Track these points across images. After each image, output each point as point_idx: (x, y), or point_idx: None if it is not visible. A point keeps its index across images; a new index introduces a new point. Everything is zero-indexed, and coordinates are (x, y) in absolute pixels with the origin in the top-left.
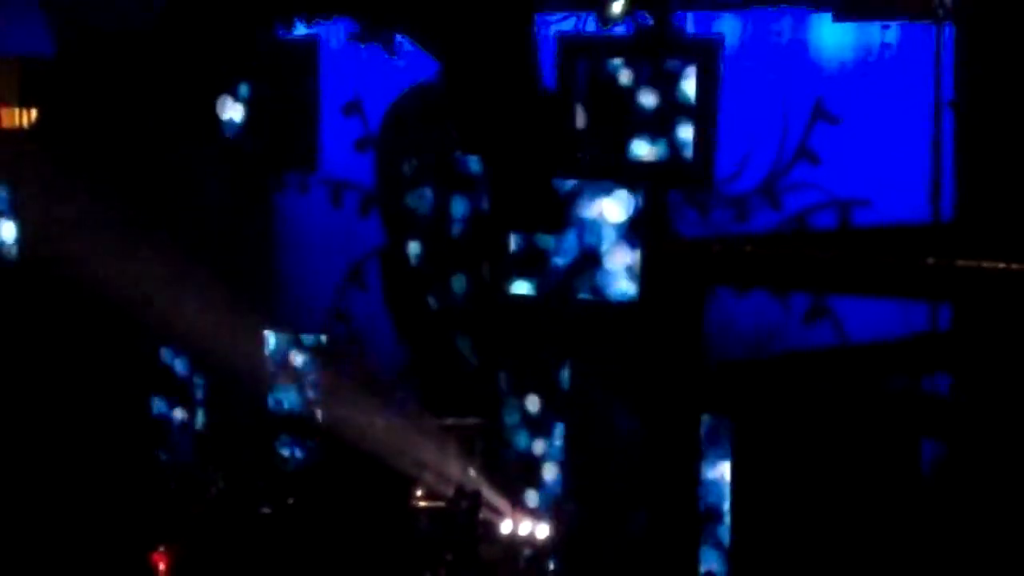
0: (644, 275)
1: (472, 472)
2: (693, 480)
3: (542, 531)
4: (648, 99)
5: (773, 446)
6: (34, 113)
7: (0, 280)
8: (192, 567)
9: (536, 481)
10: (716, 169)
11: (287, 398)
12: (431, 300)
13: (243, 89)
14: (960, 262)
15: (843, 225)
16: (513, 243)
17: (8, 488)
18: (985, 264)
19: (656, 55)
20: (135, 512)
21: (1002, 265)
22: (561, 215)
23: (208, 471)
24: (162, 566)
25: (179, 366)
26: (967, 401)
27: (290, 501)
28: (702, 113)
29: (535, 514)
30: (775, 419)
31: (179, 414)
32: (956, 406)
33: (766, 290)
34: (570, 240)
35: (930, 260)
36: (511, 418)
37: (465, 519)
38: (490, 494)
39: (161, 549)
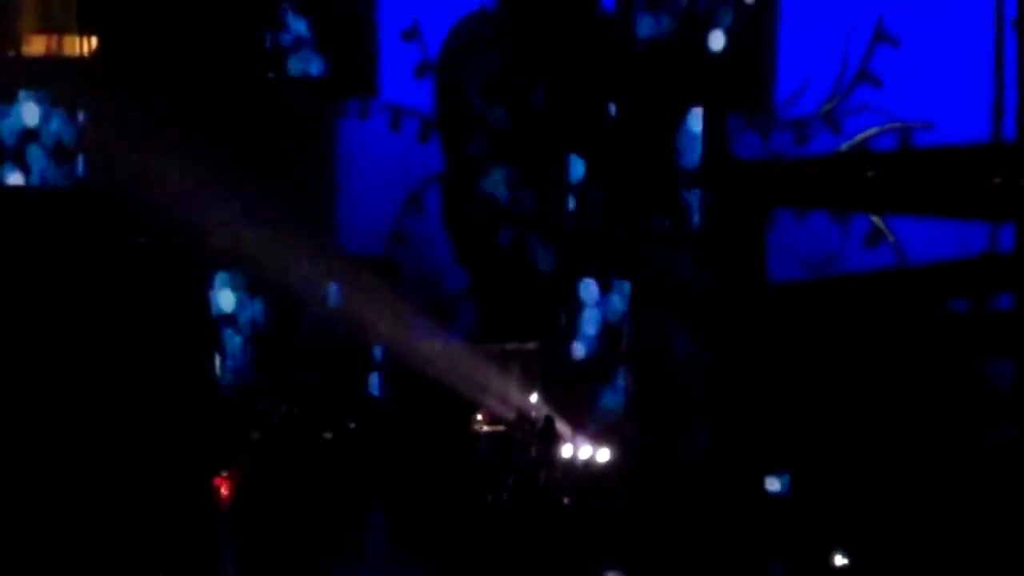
0: (708, 196)
1: (533, 397)
2: (757, 399)
3: (603, 455)
4: (707, 21)
5: (835, 366)
6: (94, 41)
7: (63, 205)
8: (254, 492)
9: (597, 405)
10: (776, 92)
11: (348, 322)
12: (495, 226)
13: (302, 14)
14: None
15: (904, 147)
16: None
17: (69, 411)
18: None
19: None
20: (198, 438)
21: None
22: (615, 140)
23: (271, 397)
24: (225, 491)
25: (243, 291)
26: None
27: (352, 426)
28: (762, 35)
29: (596, 438)
30: (837, 340)
31: (241, 340)
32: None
33: (827, 212)
34: None
35: (995, 180)
36: (572, 342)
37: (530, 444)
38: (552, 419)
39: (224, 474)
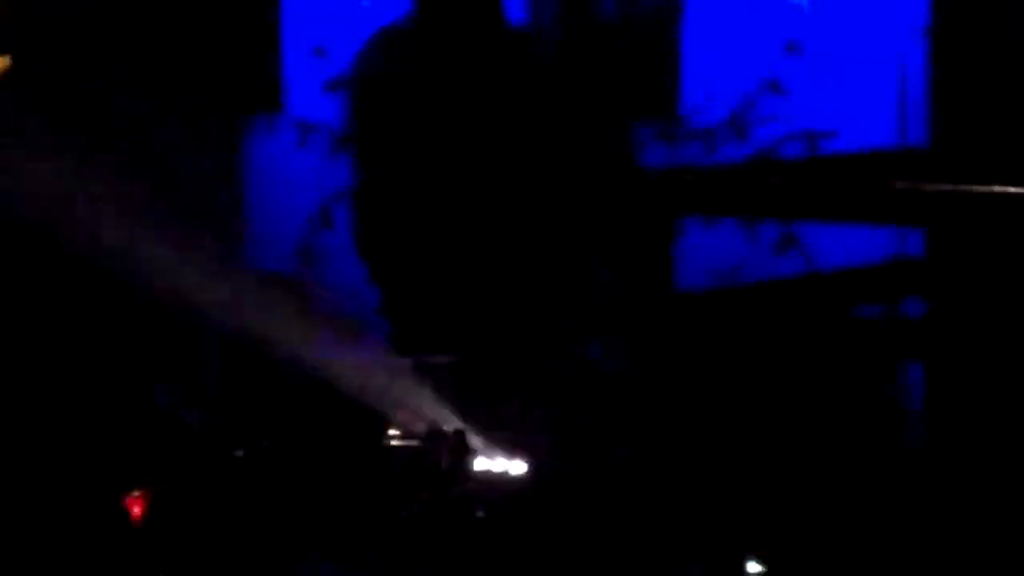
0: (614, 205)
1: (445, 411)
2: (668, 408)
3: (517, 467)
4: (614, 30)
5: (745, 374)
6: (4, 60)
7: None
8: (168, 510)
9: (510, 418)
10: (682, 101)
11: (258, 338)
12: (404, 241)
13: (203, 28)
14: (931, 186)
15: (811, 154)
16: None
17: None
18: (959, 187)
19: None
20: (109, 455)
21: (977, 188)
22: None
23: (182, 414)
24: (136, 509)
25: (149, 310)
26: (942, 325)
27: (264, 443)
28: (667, 42)
29: (510, 451)
30: (747, 348)
31: (151, 358)
32: (931, 330)
33: (737, 219)
34: None
35: (900, 184)
36: (485, 355)
37: (443, 458)
38: (465, 432)
39: (136, 493)
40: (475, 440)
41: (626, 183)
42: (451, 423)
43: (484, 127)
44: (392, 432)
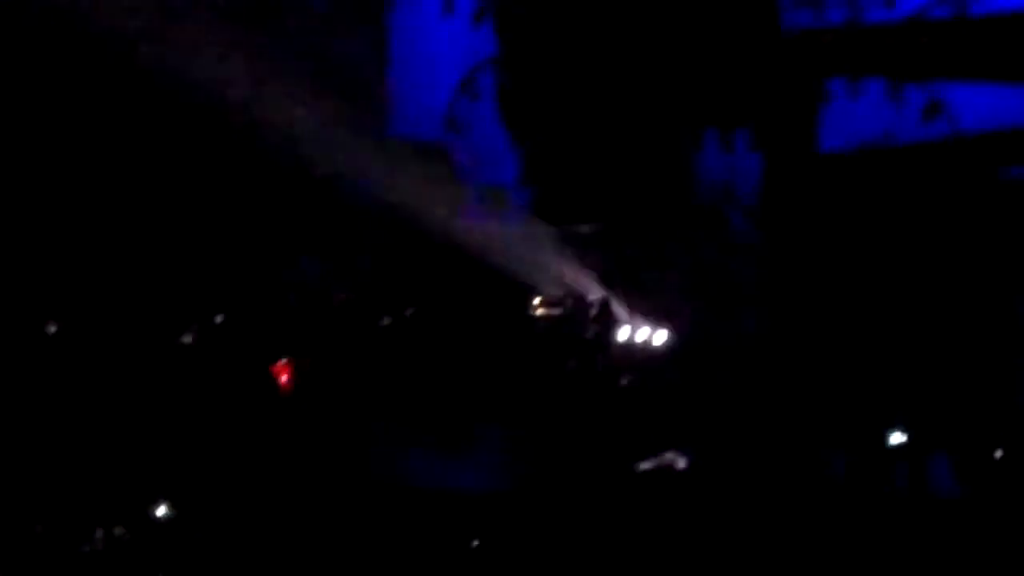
0: (755, 66)
1: (589, 279)
2: (808, 275)
3: (659, 337)
4: None
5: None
6: None
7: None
8: (314, 378)
9: (653, 289)
10: None
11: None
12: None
13: None
14: None
15: (959, 17)
16: None
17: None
18: None
19: None
20: (258, 327)
21: None
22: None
23: (329, 285)
24: (284, 378)
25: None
26: None
27: (408, 313)
28: None
29: (652, 320)
30: (889, 209)
31: (301, 231)
32: None
33: (881, 83)
34: None
35: None
36: (628, 223)
37: (588, 326)
38: (610, 301)
39: (283, 362)
40: (619, 309)
41: (769, 45)
42: (595, 292)
43: None
44: (536, 301)
